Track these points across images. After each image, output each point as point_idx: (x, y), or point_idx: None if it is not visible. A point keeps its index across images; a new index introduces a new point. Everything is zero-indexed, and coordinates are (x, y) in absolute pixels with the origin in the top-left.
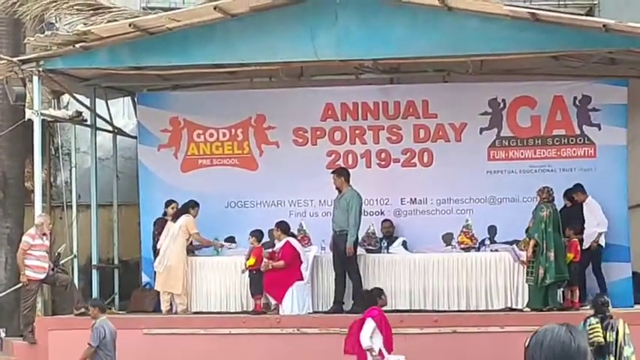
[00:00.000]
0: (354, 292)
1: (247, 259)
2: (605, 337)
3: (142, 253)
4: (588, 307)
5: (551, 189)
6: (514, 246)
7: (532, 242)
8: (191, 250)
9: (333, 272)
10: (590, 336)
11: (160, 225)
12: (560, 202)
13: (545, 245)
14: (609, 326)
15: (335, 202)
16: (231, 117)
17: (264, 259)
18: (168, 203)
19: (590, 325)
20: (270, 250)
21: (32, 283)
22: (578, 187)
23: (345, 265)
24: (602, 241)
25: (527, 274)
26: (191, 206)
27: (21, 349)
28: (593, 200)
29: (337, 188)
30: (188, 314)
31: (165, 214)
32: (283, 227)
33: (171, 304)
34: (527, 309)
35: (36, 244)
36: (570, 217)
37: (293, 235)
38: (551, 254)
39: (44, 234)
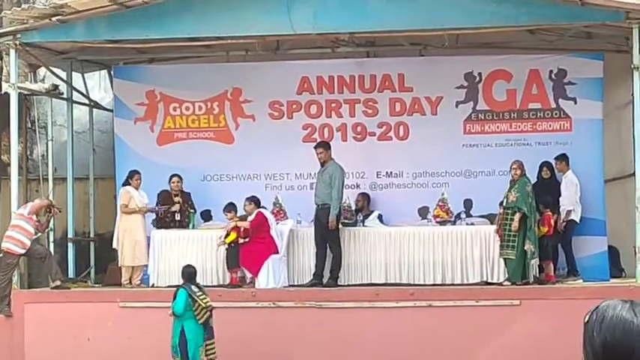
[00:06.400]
0: (332, 266)
1: (227, 234)
2: None
3: None
4: (572, 279)
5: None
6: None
7: (518, 215)
8: (166, 225)
9: (311, 246)
10: (205, 301)
11: (164, 197)
12: (531, 176)
13: (533, 220)
14: (205, 291)
15: (318, 176)
16: (207, 90)
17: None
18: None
19: (197, 292)
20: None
21: (12, 257)
22: (564, 157)
23: (327, 238)
24: (577, 217)
25: (505, 248)
26: (129, 177)
27: None
28: (572, 175)
29: (322, 161)
30: (153, 287)
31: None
32: (255, 200)
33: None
34: (507, 283)
35: (28, 218)
36: (542, 190)
37: (264, 208)
38: (536, 229)
39: (37, 215)
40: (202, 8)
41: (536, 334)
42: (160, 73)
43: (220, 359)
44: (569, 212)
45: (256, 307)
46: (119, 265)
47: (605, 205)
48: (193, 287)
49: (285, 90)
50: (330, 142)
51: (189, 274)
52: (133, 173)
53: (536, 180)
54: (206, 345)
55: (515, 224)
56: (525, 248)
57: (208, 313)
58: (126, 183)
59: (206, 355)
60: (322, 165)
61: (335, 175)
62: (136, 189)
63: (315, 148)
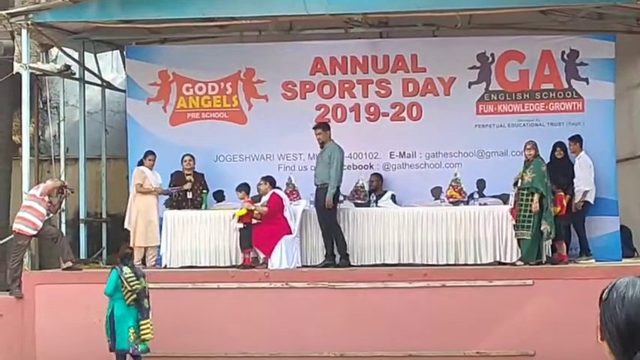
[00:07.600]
0: (339, 247)
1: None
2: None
3: None
4: (585, 259)
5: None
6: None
7: (537, 196)
8: (178, 205)
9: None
10: (132, 284)
11: (177, 178)
12: (544, 157)
13: (548, 200)
14: (140, 273)
15: (317, 157)
16: (220, 71)
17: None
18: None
19: (126, 274)
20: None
21: (23, 238)
22: (578, 138)
23: (325, 219)
24: (591, 198)
25: (520, 228)
26: (144, 156)
27: (7, 303)
28: (586, 156)
29: (320, 142)
30: (165, 268)
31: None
32: (271, 180)
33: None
34: (521, 263)
35: (40, 199)
36: (555, 170)
37: (279, 189)
38: (552, 209)
39: (49, 196)
40: None
41: (550, 314)
42: (173, 54)
43: (233, 340)
44: (585, 193)
45: (269, 288)
46: (130, 246)
47: (617, 185)
48: (125, 268)
49: (299, 70)
50: (341, 123)
51: (124, 254)
52: (148, 153)
53: (549, 160)
54: (140, 325)
55: (535, 205)
56: (542, 229)
57: (134, 295)
58: (140, 163)
59: (140, 335)
60: (321, 146)
61: (334, 155)
62: (150, 169)
63: (314, 129)
